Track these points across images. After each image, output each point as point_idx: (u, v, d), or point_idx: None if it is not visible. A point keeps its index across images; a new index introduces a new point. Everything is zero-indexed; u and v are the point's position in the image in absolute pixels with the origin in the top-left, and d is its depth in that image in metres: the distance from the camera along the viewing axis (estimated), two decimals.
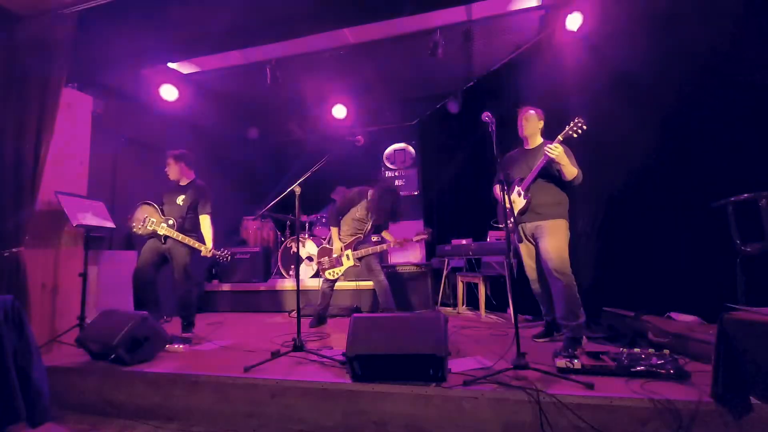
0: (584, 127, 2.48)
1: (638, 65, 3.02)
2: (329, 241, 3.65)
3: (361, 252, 3.44)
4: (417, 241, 3.50)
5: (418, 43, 4.23)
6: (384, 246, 3.47)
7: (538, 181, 2.65)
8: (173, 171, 3.28)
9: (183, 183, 3.31)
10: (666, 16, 2.85)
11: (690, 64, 2.69)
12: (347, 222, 3.56)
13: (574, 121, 2.50)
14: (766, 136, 2.35)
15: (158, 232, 3.11)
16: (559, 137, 2.53)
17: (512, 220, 2.36)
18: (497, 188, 2.83)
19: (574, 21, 3.49)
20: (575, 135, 2.50)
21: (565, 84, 3.68)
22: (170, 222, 3.14)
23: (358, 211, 3.52)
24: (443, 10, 3.66)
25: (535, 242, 2.70)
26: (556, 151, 2.48)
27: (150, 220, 3.15)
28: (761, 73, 2.37)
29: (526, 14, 3.85)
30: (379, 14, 3.22)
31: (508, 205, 2.19)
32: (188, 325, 3.18)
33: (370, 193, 3.46)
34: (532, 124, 2.76)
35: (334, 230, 3.56)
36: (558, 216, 2.62)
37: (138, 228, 3.17)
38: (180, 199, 3.20)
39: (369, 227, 3.57)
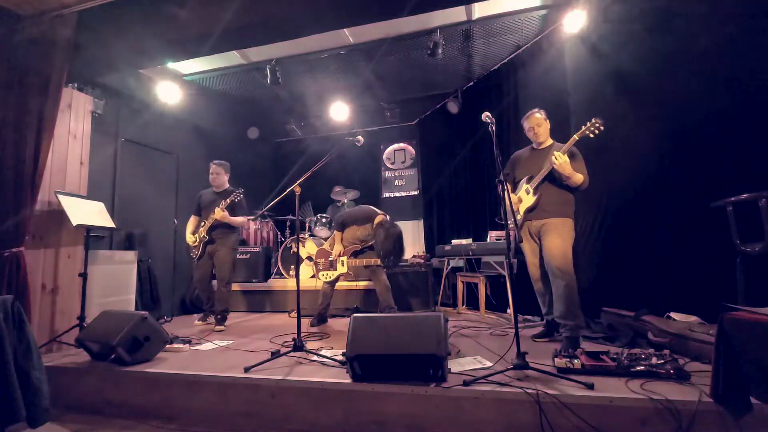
0: (601, 128, 2.43)
1: (638, 65, 3.02)
2: (329, 244, 3.67)
3: (356, 262, 3.52)
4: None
5: (418, 43, 4.23)
6: (377, 260, 3.39)
7: (547, 182, 2.65)
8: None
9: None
10: (666, 15, 2.84)
11: (690, 64, 2.69)
12: (349, 232, 3.59)
13: (591, 121, 2.45)
14: (766, 136, 2.35)
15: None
16: (575, 137, 2.49)
17: (513, 221, 2.35)
18: (500, 187, 2.83)
19: (574, 21, 3.48)
20: (592, 135, 2.46)
21: (565, 84, 3.68)
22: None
23: (359, 231, 3.54)
24: (443, 10, 3.66)
25: (539, 240, 2.69)
26: (559, 159, 2.47)
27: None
28: (762, 72, 2.37)
29: (526, 14, 3.85)
30: (379, 14, 3.22)
31: (508, 206, 2.19)
32: (223, 319, 3.65)
33: (376, 222, 3.41)
34: (544, 128, 2.74)
35: (338, 234, 3.58)
36: (564, 215, 2.61)
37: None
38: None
39: (368, 243, 3.60)
